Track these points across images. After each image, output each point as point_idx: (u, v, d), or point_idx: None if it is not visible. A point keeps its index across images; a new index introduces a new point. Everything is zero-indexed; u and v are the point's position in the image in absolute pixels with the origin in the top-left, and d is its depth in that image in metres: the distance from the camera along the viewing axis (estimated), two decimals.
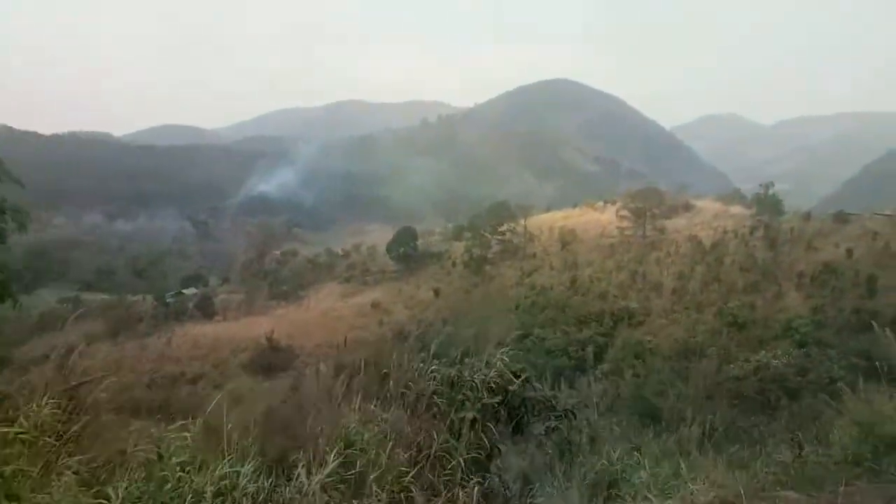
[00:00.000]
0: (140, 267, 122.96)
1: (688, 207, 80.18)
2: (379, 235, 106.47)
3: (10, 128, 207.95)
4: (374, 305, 69.90)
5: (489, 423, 4.11)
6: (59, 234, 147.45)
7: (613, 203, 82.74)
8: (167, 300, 79.69)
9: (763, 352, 38.39)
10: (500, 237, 76.19)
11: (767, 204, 66.79)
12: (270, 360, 60.98)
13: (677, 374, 41.16)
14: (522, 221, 77.11)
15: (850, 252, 50.51)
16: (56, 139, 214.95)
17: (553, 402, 4.62)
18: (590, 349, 48.23)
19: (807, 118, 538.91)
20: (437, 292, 70.51)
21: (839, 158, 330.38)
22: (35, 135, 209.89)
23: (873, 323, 7.19)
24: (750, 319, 45.05)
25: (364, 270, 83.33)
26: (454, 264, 77.15)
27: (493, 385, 4.26)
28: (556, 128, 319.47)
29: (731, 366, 39.47)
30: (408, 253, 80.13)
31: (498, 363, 4.65)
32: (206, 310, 77.11)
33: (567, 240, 73.79)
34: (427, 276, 77.03)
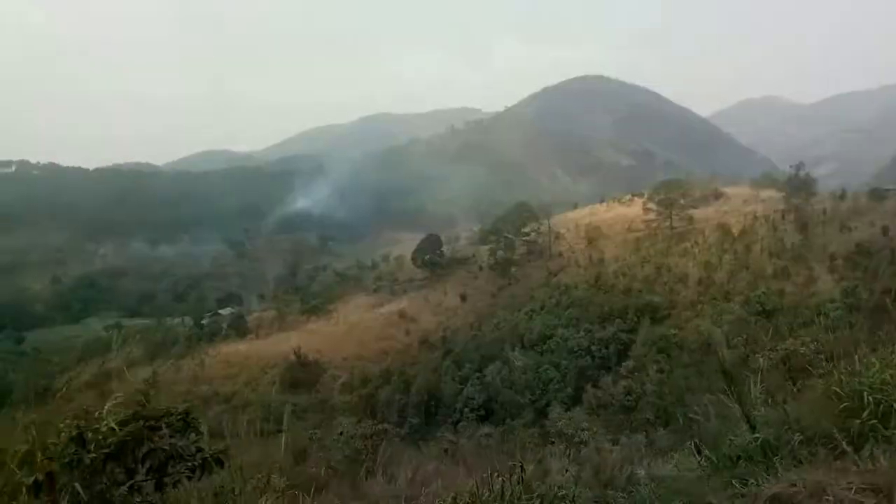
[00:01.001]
0: (180, 291, 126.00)
1: (717, 195, 77.95)
2: (411, 245, 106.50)
3: (57, 164, 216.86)
4: (401, 315, 69.81)
5: (76, 484, 3.37)
6: (106, 264, 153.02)
7: (641, 196, 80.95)
8: (202, 321, 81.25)
9: (790, 339, 36.93)
10: (525, 238, 75.39)
11: (798, 186, 64.29)
12: (299, 375, 61.52)
13: (699, 369, 40.02)
14: (546, 221, 76.03)
15: (885, 230, 48.14)
16: (100, 172, 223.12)
17: (190, 449, 3.77)
18: (612, 347, 47.20)
19: (850, 94, 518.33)
20: (463, 297, 70.13)
21: (887, 134, 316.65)
22: (80, 170, 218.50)
23: None
24: (779, 306, 43.12)
25: (392, 280, 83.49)
26: (480, 268, 76.65)
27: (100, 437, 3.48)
28: (588, 124, 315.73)
29: (758, 355, 38.12)
30: (434, 260, 79.93)
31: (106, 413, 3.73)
32: (239, 328, 78.25)
33: (592, 236, 72.55)
34: (454, 282, 76.59)
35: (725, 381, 5.88)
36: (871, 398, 4.31)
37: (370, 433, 16.59)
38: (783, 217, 60.24)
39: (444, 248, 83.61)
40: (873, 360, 5.22)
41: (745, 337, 41.68)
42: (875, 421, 4.21)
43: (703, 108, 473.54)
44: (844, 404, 4.79)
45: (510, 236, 74.29)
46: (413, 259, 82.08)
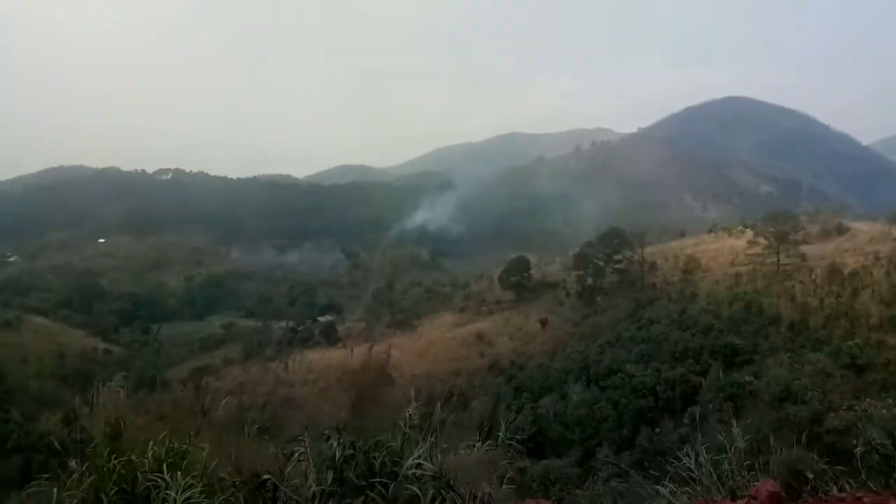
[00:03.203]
0: (294, 296, 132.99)
1: (841, 231, 69.79)
2: None
3: (206, 174, 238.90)
4: (479, 336, 68.92)
5: None
6: (234, 267, 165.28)
7: (753, 228, 74.40)
8: (297, 327, 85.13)
9: (868, 400, 31.91)
10: (616, 266, 71.81)
11: None
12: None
13: (770, 424, 35.59)
14: (639, 249, 71.94)
15: None
16: (241, 182, 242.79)
17: None
18: (679, 390, 43.37)
19: None
20: (543, 323, 67.97)
21: None
22: (225, 179, 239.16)
23: None
24: (874, 361, 37.57)
25: (480, 300, 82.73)
26: (567, 295, 73.99)
27: None
28: (728, 148, 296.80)
29: (832, 415, 33.18)
30: (521, 282, 78.26)
31: None
32: (329, 336, 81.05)
33: (689, 268, 67.64)
34: (539, 307, 74.51)
35: None
36: None
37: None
38: None
39: (535, 271, 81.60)
40: None
41: (820, 392, 36.96)
42: None
43: (869, 134, 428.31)
44: None
45: (599, 263, 71.09)
46: (500, 280, 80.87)
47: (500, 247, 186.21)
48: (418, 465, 3.69)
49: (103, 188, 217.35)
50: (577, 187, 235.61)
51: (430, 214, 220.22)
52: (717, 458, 5.20)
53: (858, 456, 5.34)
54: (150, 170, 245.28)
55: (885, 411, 30.97)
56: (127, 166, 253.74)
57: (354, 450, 3.88)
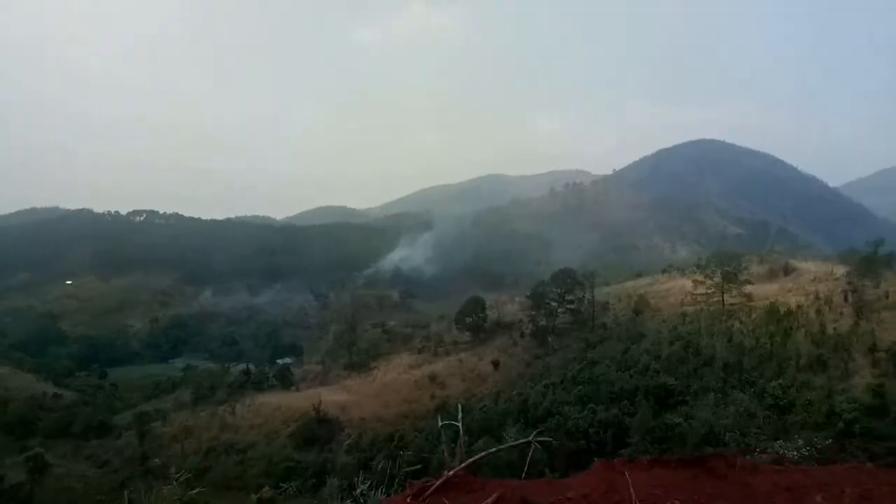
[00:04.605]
0: (259, 337, 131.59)
1: (788, 270, 71.06)
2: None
3: (181, 215, 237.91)
4: (432, 378, 68.49)
5: None
6: (201, 308, 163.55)
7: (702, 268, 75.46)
8: (248, 370, 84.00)
9: (780, 441, 32.11)
10: (568, 306, 72.21)
11: (870, 265, 57.29)
12: (316, 431, 61.55)
13: None
14: (590, 289, 72.55)
15: None
16: (215, 223, 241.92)
17: None
18: (611, 431, 43.28)
19: None
20: (495, 364, 67.79)
21: None
22: (197, 220, 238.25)
23: None
24: (796, 401, 37.88)
25: (438, 341, 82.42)
26: (522, 335, 74.05)
27: None
28: (698, 190, 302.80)
29: (748, 457, 33.24)
30: (476, 323, 78.24)
31: None
32: (284, 380, 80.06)
33: (639, 308, 68.20)
34: (493, 348, 74.42)
35: None
36: None
37: None
38: (846, 299, 53.75)
39: (491, 312, 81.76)
40: None
41: (739, 433, 37.07)
42: None
43: (838, 177, 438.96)
44: None
45: (552, 303, 71.46)
46: (456, 321, 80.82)
47: (473, 288, 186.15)
48: None
49: (74, 230, 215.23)
50: (551, 229, 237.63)
51: (405, 255, 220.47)
52: None
53: None
54: (124, 211, 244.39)
55: (794, 453, 31.42)
56: (104, 207, 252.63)
57: None
